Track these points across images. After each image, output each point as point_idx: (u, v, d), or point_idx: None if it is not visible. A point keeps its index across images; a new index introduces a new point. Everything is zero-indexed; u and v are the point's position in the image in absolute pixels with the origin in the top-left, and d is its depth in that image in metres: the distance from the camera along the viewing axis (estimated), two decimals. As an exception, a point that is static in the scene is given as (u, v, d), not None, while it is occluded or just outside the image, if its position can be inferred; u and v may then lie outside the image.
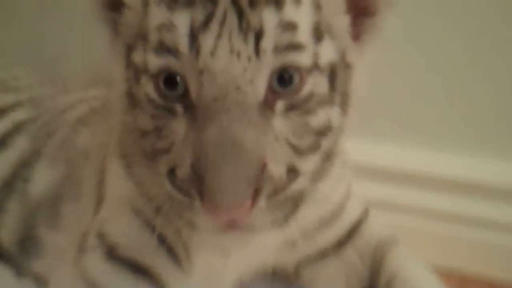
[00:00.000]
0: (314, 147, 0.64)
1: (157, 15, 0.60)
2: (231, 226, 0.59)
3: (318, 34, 0.61)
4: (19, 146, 1.05)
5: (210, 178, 0.55)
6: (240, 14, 0.58)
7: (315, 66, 0.61)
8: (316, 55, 0.61)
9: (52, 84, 1.32)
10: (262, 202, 0.58)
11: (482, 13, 1.10)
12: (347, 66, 0.66)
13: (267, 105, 0.60)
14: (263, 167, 0.57)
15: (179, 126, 0.61)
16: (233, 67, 0.57)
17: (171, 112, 0.62)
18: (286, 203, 0.62)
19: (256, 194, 0.57)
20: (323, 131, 0.64)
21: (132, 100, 0.68)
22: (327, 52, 0.62)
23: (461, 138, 1.17)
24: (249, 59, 0.58)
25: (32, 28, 1.57)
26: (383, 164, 1.20)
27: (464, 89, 1.15)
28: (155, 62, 0.60)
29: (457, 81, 1.15)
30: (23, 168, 1.01)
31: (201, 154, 0.56)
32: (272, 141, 0.60)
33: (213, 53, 0.57)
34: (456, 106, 1.16)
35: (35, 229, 0.95)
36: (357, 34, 0.68)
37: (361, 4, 0.67)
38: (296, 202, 0.64)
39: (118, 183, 0.81)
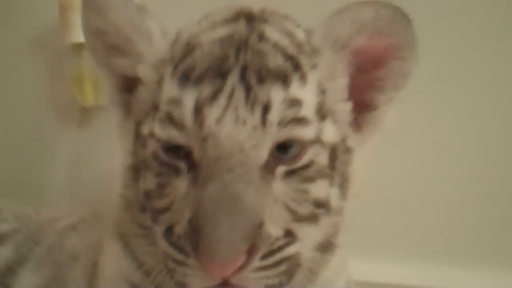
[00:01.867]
0: (312, 217, 0.65)
1: (169, 89, 0.65)
2: (224, 286, 0.58)
3: (322, 113, 0.65)
4: (3, 255, 1.03)
5: (207, 231, 0.56)
6: (248, 89, 0.62)
7: (317, 140, 0.64)
8: (319, 130, 0.64)
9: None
10: (256, 261, 0.58)
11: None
12: (347, 150, 0.69)
13: (268, 168, 0.62)
14: (260, 226, 0.58)
15: (181, 184, 0.63)
16: (238, 133, 0.60)
17: (176, 170, 0.64)
18: (281, 269, 0.61)
19: (251, 252, 0.57)
20: (321, 204, 0.66)
21: (136, 173, 0.71)
22: (330, 132, 0.66)
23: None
24: (255, 128, 0.61)
25: (17, 158, 1.62)
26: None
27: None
28: (160, 133, 0.64)
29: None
30: (6, 276, 0.98)
31: (200, 208, 0.58)
32: (271, 203, 0.61)
33: (218, 121, 0.61)
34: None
35: None
36: (359, 126, 0.72)
37: (364, 99, 0.72)
38: (291, 270, 0.64)
39: (115, 263, 0.80)
